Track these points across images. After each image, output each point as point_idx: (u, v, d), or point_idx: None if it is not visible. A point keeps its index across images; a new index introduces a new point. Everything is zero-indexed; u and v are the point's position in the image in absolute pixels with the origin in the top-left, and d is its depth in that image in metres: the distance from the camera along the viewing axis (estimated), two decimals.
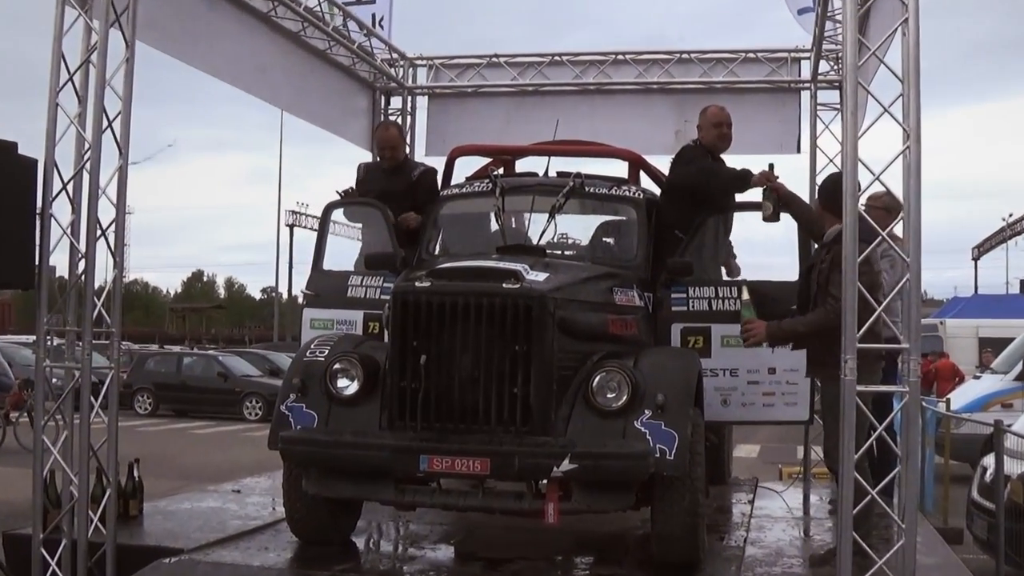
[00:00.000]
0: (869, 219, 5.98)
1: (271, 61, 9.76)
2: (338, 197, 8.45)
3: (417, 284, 6.06)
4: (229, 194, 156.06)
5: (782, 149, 11.20)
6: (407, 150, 10.80)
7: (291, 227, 54.44)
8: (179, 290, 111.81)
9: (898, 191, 5.88)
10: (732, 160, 8.11)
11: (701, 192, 7.56)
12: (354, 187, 8.61)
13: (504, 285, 5.95)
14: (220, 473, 13.18)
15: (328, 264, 8.15)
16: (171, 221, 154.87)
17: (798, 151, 11.11)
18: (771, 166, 7.22)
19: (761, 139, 10.97)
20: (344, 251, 8.82)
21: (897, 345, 5.92)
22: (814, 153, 10.80)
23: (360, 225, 8.77)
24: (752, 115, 10.81)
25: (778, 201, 7.05)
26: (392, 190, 8.28)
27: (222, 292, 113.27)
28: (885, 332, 6.14)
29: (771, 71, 11.26)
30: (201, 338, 65.92)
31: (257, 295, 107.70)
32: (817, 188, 6.78)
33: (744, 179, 7.36)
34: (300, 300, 8.38)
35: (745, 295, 6.84)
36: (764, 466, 15.55)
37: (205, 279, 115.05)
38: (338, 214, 8.31)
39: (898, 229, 6.04)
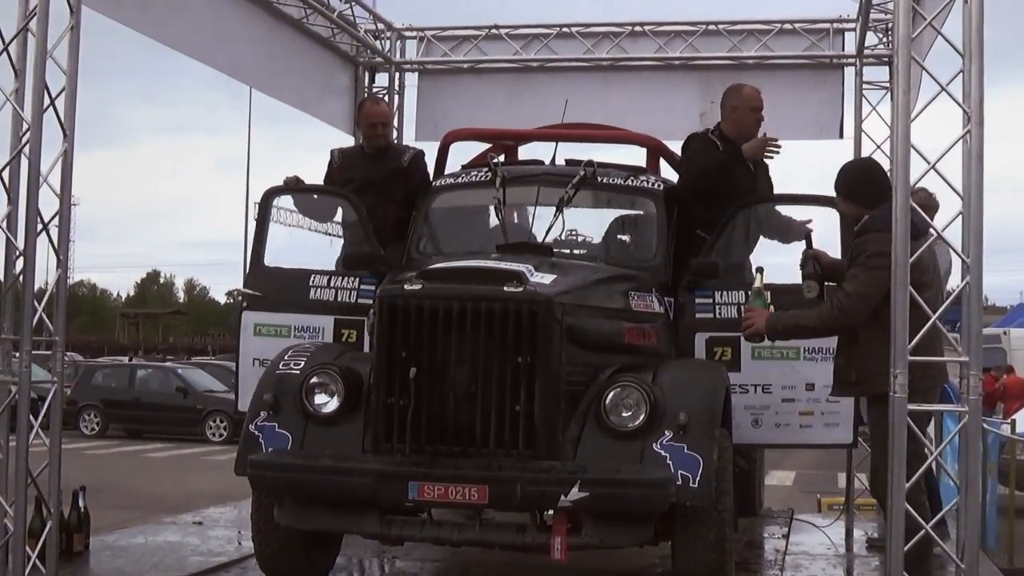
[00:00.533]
0: (921, 212, 5.99)
1: (238, 31, 9.74)
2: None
3: (406, 287, 6.07)
4: (190, 183, 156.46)
5: (822, 133, 11.20)
6: (394, 133, 10.82)
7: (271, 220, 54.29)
8: (132, 293, 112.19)
9: (957, 181, 5.87)
10: None
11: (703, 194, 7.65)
12: (322, 176, 8.56)
13: (505, 288, 5.95)
14: (179, 502, 13.16)
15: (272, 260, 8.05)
16: (123, 214, 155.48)
17: (840, 136, 11.10)
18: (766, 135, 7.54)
19: (798, 123, 10.97)
20: (294, 246, 8.69)
21: (956, 358, 5.92)
22: (859, 139, 10.80)
23: (310, 219, 8.66)
24: (788, 95, 10.82)
25: (821, 272, 6.62)
26: (377, 178, 8.26)
27: (181, 295, 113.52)
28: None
29: (810, 44, 11.24)
30: (157, 348, 65.96)
31: (222, 299, 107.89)
32: (835, 179, 6.66)
33: (728, 161, 7.65)
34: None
35: (759, 282, 6.69)
36: (801, 495, 15.56)
37: (162, 280, 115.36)
38: (286, 202, 8.24)
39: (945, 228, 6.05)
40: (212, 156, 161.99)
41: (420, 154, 8.60)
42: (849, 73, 11.19)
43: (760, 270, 6.84)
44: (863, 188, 6.34)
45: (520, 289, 5.95)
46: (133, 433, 28.41)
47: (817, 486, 16.46)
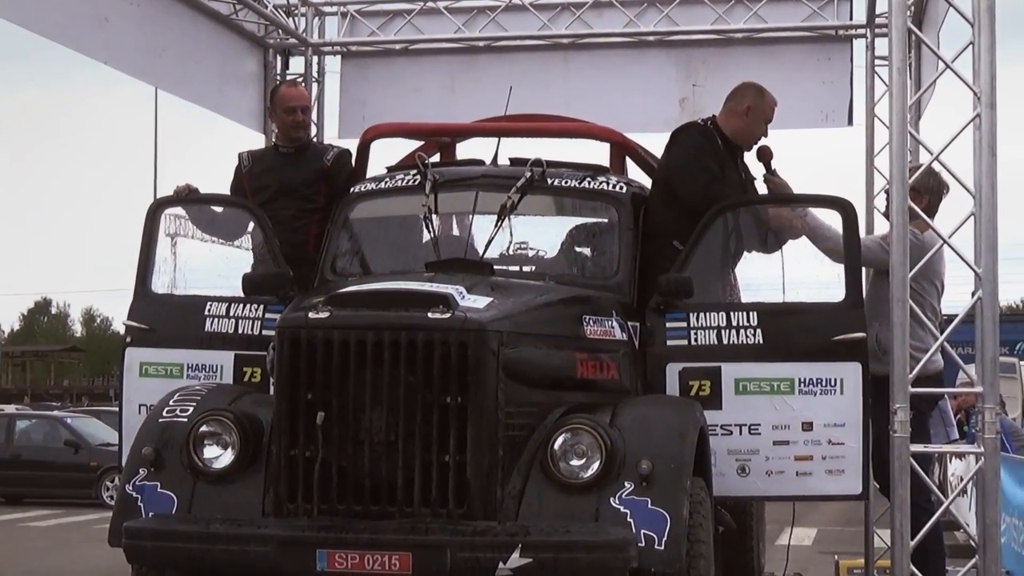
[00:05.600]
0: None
1: (114, 9, 9.72)
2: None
3: (311, 315, 6.12)
4: (85, 193, 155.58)
5: (828, 121, 11.30)
6: (313, 129, 10.87)
7: (172, 237, 54.01)
8: (16, 327, 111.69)
9: (967, 177, 5.96)
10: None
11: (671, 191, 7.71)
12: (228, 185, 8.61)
13: (429, 315, 6.01)
14: None
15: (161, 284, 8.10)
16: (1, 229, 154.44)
17: (849, 123, 11.22)
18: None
19: (799, 108, 11.01)
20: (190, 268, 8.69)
21: (969, 389, 6.02)
22: (872, 125, 10.84)
23: (213, 236, 8.73)
24: (786, 75, 10.91)
25: None
26: (296, 183, 8.28)
27: (78, 329, 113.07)
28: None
29: (811, 13, 11.33)
30: (47, 393, 65.58)
31: None
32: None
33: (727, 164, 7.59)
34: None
35: None
36: (818, 557, 15.58)
37: (54, 311, 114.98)
38: (180, 216, 8.28)
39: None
40: (109, 160, 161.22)
41: (346, 153, 8.63)
42: (859, 47, 11.29)
43: None
44: None
45: (447, 315, 6.00)
46: (12, 498, 28.20)
47: (840, 546, 16.48)
